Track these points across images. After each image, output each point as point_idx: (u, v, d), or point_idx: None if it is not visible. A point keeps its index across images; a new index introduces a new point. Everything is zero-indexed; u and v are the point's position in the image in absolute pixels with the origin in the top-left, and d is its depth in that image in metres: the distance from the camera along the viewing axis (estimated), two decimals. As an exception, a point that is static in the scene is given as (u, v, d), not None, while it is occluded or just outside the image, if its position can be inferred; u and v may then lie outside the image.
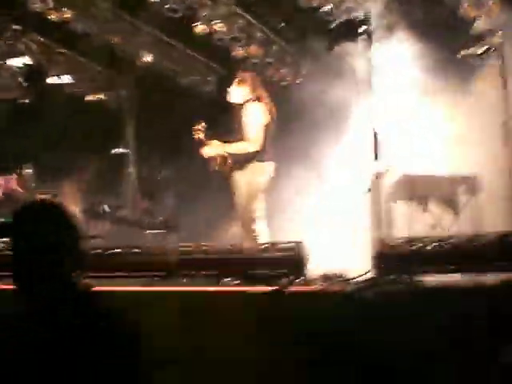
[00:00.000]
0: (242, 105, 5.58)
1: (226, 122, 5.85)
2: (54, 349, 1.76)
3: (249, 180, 5.47)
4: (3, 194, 9.22)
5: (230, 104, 5.65)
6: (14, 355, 1.76)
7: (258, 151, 5.43)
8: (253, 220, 5.39)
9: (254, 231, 5.35)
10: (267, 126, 5.50)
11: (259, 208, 5.49)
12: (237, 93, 5.64)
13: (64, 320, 1.80)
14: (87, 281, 2.03)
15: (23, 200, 9.13)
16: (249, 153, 5.43)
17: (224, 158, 5.56)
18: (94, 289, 2.01)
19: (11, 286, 1.94)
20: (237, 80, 5.67)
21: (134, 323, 1.91)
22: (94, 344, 1.78)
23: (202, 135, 5.61)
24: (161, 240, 7.02)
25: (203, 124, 5.66)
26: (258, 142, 5.42)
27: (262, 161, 5.49)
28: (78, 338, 1.78)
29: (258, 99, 5.55)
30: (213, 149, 5.62)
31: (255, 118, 5.48)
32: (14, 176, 9.00)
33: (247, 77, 5.69)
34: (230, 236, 5.85)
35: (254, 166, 5.46)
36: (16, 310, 1.88)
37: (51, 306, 1.83)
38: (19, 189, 9.02)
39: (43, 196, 7.39)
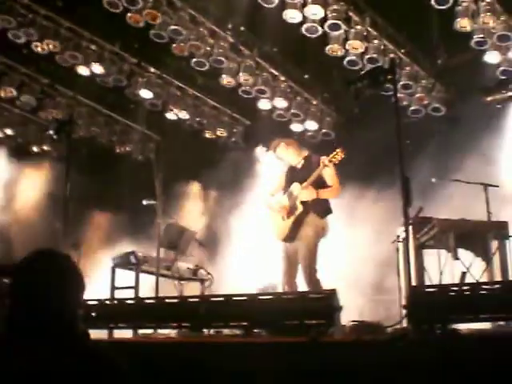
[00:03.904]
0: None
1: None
2: None
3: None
4: None
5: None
6: None
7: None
8: (315, 271, 5.35)
9: (316, 281, 5.29)
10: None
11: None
12: (287, 155, 5.75)
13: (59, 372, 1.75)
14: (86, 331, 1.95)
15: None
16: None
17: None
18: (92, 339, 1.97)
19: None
20: (283, 144, 5.77)
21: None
22: None
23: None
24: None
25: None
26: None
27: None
28: None
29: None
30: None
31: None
32: None
33: (291, 141, 5.89)
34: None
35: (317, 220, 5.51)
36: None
37: (48, 357, 1.77)
38: None
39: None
